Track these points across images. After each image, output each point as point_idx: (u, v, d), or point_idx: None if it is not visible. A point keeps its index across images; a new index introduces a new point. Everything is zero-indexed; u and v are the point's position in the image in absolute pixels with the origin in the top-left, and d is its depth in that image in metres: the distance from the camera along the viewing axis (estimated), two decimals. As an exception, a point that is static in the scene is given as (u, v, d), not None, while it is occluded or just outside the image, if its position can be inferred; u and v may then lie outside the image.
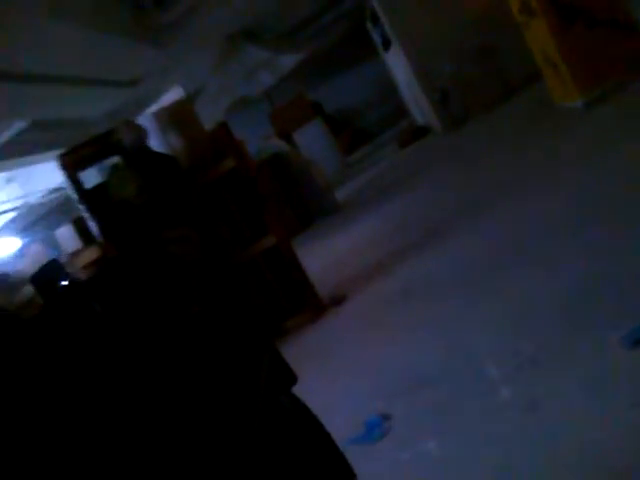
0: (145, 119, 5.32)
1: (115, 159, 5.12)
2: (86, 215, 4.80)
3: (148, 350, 1.02)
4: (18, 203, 11.03)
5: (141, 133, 4.83)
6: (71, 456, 0.81)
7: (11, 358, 0.82)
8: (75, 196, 4.83)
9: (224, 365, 1.12)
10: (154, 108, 5.52)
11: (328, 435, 1.45)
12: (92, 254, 5.00)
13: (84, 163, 4.99)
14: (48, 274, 1.21)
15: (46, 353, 0.88)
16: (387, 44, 13.19)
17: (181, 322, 1.12)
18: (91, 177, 5.56)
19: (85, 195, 4.82)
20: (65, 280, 1.18)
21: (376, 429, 3.03)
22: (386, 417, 3.09)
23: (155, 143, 5.13)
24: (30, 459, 0.77)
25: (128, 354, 0.99)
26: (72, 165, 4.87)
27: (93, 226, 4.75)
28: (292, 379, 1.45)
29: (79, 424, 0.84)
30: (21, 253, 9.67)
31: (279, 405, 1.32)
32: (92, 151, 4.95)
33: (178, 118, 5.35)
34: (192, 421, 0.98)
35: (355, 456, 1.81)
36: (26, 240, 11.50)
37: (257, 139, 13.62)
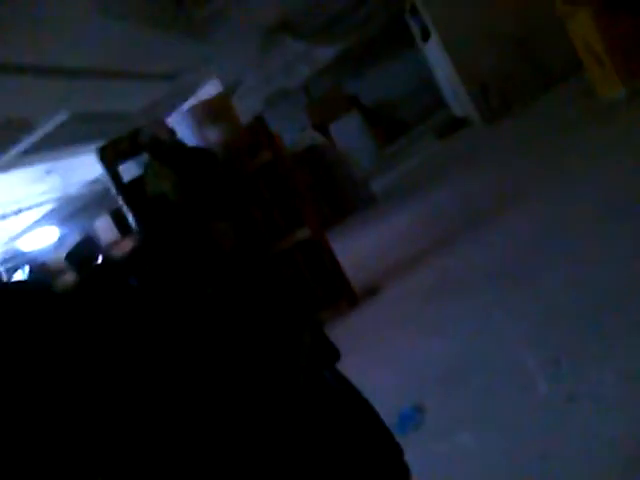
0: (182, 113, 5.38)
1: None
2: (124, 207, 4.87)
3: (186, 325, 1.02)
4: (58, 194, 11.26)
5: (167, 133, 4.87)
6: (99, 428, 0.82)
7: (43, 329, 0.83)
8: (113, 188, 4.91)
9: (262, 340, 1.10)
10: (192, 101, 5.56)
11: (377, 415, 1.38)
12: (129, 245, 5.09)
13: (122, 156, 5.07)
14: (83, 251, 1.20)
15: (80, 326, 0.89)
16: (426, 35, 13.07)
17: (200, 301, 1.11)
18: (130, 170, 5.65)
19: (123, 188, 4.89)
20: (100, 257, 1.17)
21: (410, 420, 3.02)
22: (420, 409, 3.08)
23: (192, 136, 5.17)
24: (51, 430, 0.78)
25: (167, 329, 0.99)
26: (111, 158, 4.95)
27: (130, 218, 4.83)
28: (336, 355, 1.42)
29: (115, 395, 0.85)
30: (60, 243, 9.86)
31: (322, 380, 1.28)
32: (130, 145, 5.02)
33: (215, 111, 5.39)
34: (230, 395, 0.97)
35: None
36: (65, 230, 11.73)
37: (294, 131, 13.64)
